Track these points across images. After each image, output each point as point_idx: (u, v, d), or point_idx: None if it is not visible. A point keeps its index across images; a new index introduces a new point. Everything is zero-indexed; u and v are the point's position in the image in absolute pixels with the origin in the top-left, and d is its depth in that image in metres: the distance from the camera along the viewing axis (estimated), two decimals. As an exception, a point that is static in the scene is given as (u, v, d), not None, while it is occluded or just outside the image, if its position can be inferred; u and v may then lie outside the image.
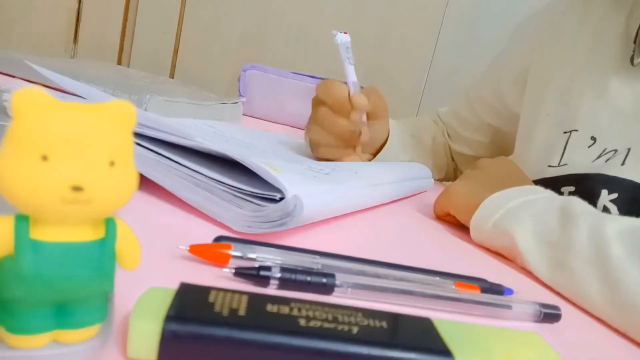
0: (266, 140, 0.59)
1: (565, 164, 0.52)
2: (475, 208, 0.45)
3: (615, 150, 0.48)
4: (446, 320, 0.23)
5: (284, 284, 0.27)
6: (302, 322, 0.20)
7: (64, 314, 0.16)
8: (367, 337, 0.20)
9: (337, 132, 0.56)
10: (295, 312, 0.20)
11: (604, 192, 0.47)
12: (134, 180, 0.16)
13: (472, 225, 0.46)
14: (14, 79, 0.69)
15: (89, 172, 0.15)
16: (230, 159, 0.34)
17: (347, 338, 0.19)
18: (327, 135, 0.56)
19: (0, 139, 0.15)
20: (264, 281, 0.27)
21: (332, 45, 0.55)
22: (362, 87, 0.57)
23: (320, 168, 0.43)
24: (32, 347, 0.16)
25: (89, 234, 0.16)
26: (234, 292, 0.21)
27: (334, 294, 0.28)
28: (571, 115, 0.53)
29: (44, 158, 0.14)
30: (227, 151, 0.34)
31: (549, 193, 0.46)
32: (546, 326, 0.31)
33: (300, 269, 0.28)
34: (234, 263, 0.28)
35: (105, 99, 0.33)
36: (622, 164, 0.47)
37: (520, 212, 0.42)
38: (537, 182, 0.52)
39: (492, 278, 0.34)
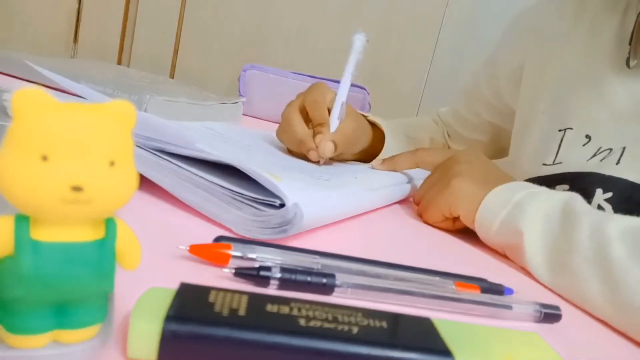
0: (266, 141, 0.59)
1: (560, 163, 0.51)
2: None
3: (611, 149, 0.48)
4: (446, 320, 0.23)
5: (284, 284, 0.27)
6: (302, 322, 0.20)
7: (64, 314, 0.16)
8: (367, 337, 0.20)
9: (288, 138, 0.55)
10: (295, 312, 0.20)
11: (599, 191, 0.47)
12: (134, 181, 0.16)
13: (478, 221, 0.45)
14: (14, 79, 0.69)
15: (89, 172, 0.15)
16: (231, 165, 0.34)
17: (347, 338, 0.19)
18: (284, 137, 0.56)
19: (0, 139, 0.15)
20: (264, 281, 0.27)
21: (332, 45, 0.55)
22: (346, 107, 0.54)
23: (320, 174, 0.44)
24: (32, 347, 0.16)
25: (89, 234, 0.16)
26: (234, 292, 0.21)
27: (334, 294, 0.28)
28: (566, 113, 0.53)
29: (44, 158, 0.14)
30: (228, 159, 0.34)
31: (543, 188, 0.45)
32: (546, 326, 0.31)
33: (300, 269, 0.28)
34: (234, 263, 0.28)
35: (105, 99, 0.33)
36: (617, 163, 0.47)
37: (528, 207, 0.42)
38: (532, 180, 0.51)
39: (492, 278, 0.34)
